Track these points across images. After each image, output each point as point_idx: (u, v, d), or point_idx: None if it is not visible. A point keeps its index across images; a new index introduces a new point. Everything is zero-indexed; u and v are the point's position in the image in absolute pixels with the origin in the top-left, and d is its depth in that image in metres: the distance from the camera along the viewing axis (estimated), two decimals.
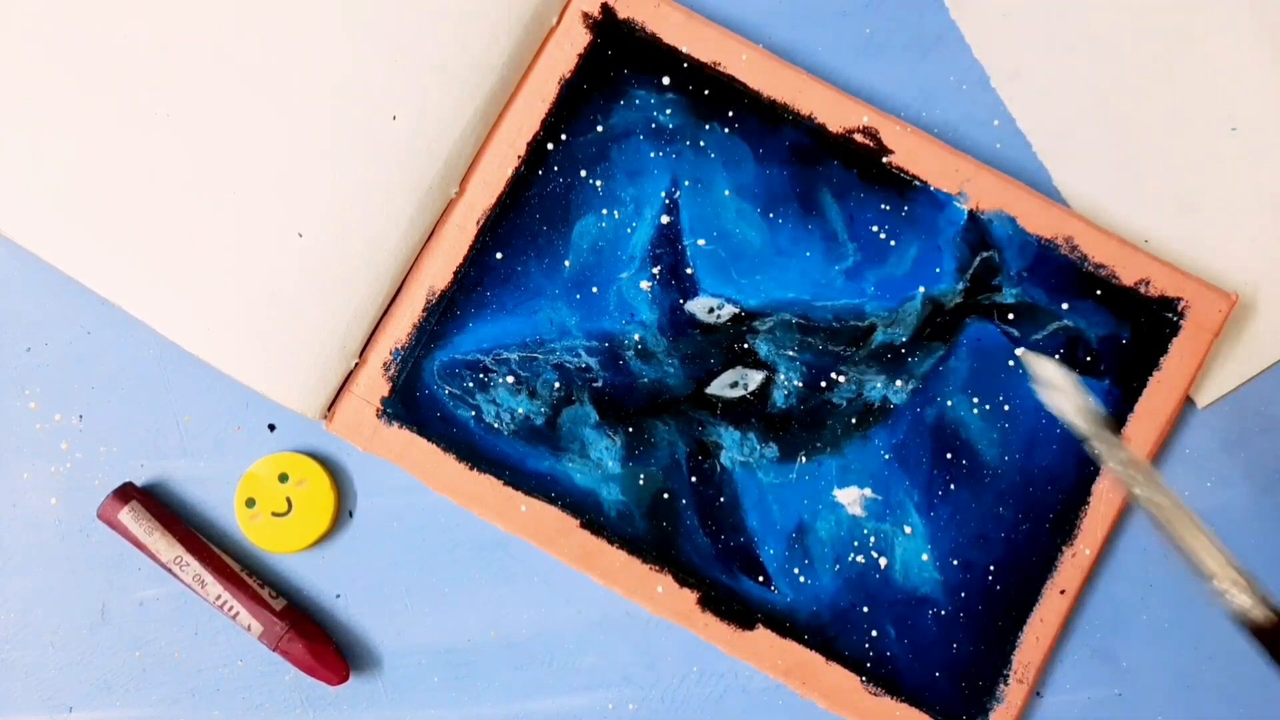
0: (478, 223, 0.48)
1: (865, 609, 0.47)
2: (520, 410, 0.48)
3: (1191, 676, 0.48)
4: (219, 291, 0.47)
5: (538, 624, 0.48)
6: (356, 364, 0.47)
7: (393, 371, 0.47)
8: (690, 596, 0.47)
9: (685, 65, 0.48)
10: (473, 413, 0.47)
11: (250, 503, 0.48)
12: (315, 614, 0.48)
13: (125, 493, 0.47)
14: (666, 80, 0.48)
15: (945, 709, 0.47)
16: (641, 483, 0.47)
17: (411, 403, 0.47)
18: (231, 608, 0.46)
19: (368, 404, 0.47)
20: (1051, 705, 0.48)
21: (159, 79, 0.47)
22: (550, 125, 0.48)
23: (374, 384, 0.47)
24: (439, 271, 0.48)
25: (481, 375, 0.48)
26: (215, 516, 0.48)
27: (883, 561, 0.47)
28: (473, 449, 0.47)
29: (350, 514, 0.48)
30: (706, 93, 0.48)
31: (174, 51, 0.47)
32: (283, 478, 0.48)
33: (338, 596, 0.48)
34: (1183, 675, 0.48)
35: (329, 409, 0.47)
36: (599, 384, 0.48)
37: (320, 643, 0.47)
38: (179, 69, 0.47)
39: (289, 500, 0.48)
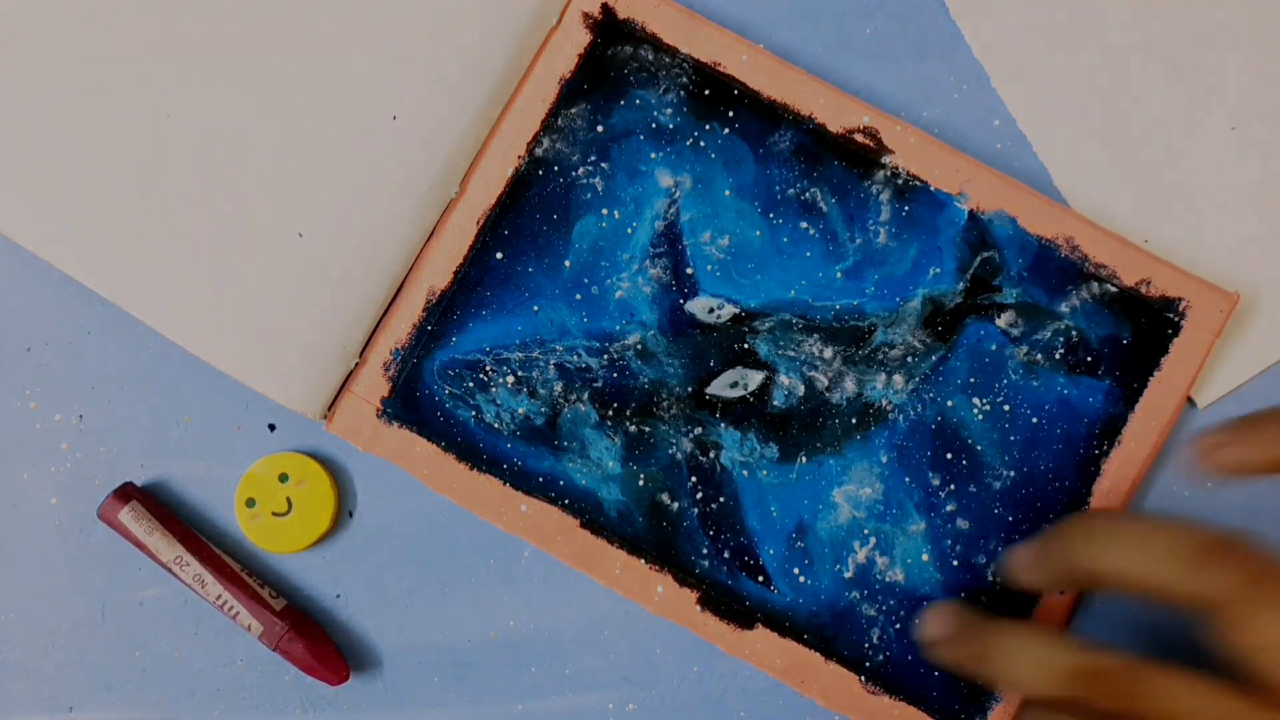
0: (478, 223, 0.48)
1: (865, 609, 0.47)
2: (520, 410, 0.48)
3: None
4: (219, 291, 0.47)
5: (538, 624, 0.48)
6: (356, 364, 0.47)
7: (393, 371, 0.47)
8: (690, 596, 0.47)
9: (685, 65, 0.48)
10: (473, 413, 0.47)
11: (250, 503, 0.48)
12: (315, 614, 0.48)
13: (125, 493, 0.47)
14: (666, 80, 0.48)
15: (944, 708, 0.47)
16: (641, 483, 0.47)
17: (411, 403, 0.47)
18: (231, 608, 0.46)
19: (368, 404, 0.47)
20: None
21: (159, 79, 0.47)
22: (550, 125, 0.48)
23: (374, 384, 0.47)
24: (439, 271, 0.48)
25: (482, 375, 0.48)
26: (215, 516, 0.48)
27: (883, 561, 0.47)
28: (473, 449, 0.47)
29: (350, 514, 0.48)
30: (706, 93, 0.48)
31: (174, 51, 0.47)
32: (283, 478, 0.48)
33: (338, 596, 0.48)
34: None
35: (329, 409, 0.47)
36: (599, 384, 0.48)
37: (320, 643, 0.47)
38: (179, 69, 0.47)
39: (289, 500, 0.48)
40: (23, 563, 0.48)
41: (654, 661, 0.48)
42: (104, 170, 0.47)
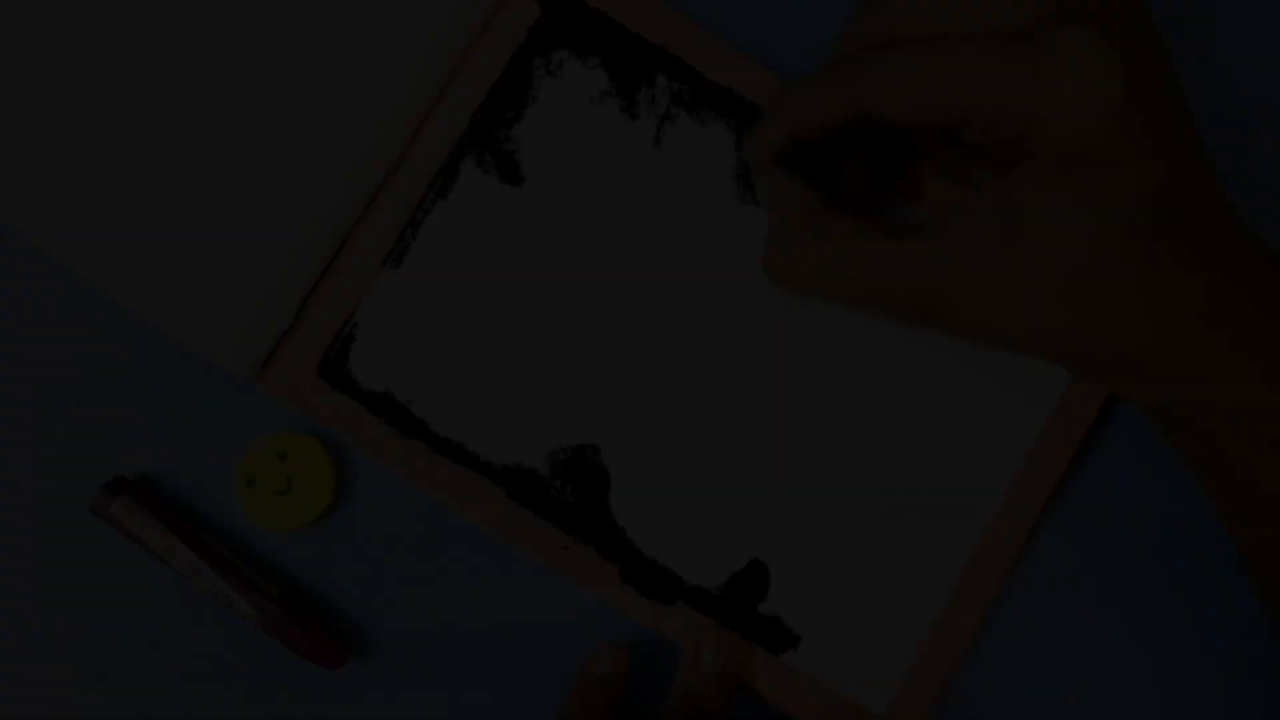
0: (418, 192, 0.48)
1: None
2: None
3: (1189, 677, 0.45)
4: (155, 243, 0.48)
5: (536, 608, 0.47)
6: (292, 324, 0.48)
7: (328, 335, 0.48)
8: (612, 569, 0.46)
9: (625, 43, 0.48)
10: None
11: (250, 482, 0.48)
12: (312, 600, 0.49)
13: (117, 485, 0.48)
14: (603, 56, 0.48)
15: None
16: None
17: (344, 366, 0.48)
18: (227, 595, 0.47)
19: (302, 365, 0.48)
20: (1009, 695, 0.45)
21: (97, 33, 0.48)
22: (497, 96, 0.48)
23: (309, 346, 0.48)
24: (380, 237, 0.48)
25: None
26: (208, 506, 0.49)
27: None
28: (404, 413, 0.47)
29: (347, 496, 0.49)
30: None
31: (115, 6, 0.48)
32: (281, 456, 0.48)
33: (335, 583, 0.48)
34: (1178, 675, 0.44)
35: (261, 368, 0.48)
36: None
37: (316, 628, 0.47)
38: (120, 23, 0.48)
39: (289, 478, 0.48)
40: (15, 557, 0.49)
41: (653, 656, 0.47)
42: (44, 119, 0.48)
